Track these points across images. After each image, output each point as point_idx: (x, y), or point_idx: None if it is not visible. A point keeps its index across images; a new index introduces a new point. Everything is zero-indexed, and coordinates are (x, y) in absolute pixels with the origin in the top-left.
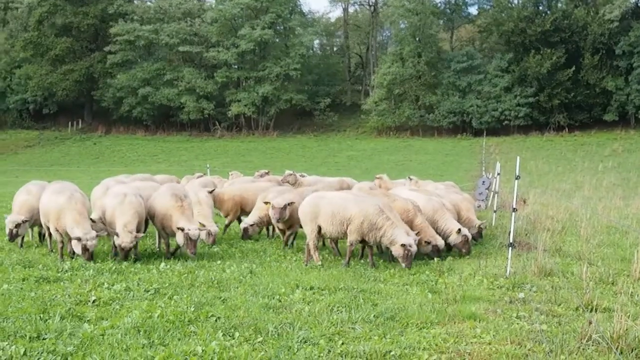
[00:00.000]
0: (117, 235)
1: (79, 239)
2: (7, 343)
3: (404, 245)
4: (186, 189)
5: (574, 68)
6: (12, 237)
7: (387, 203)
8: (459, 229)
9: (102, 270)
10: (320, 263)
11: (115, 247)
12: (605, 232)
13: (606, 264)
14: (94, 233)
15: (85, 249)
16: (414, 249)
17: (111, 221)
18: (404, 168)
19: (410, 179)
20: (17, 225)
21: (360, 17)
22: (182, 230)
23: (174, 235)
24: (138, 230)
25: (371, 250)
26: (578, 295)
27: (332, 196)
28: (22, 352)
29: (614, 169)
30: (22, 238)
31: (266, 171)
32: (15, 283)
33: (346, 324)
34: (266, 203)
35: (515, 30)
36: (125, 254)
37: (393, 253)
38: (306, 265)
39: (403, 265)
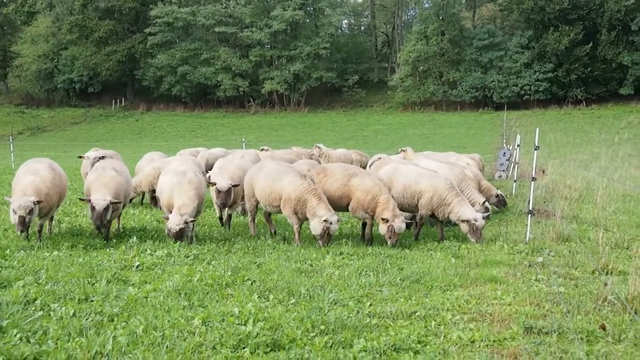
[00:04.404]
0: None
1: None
2: (57, 305)
3: (468, 220)
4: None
5: (591, 44)
6: (24, 225)
7: (462, 178)
8: (484, 202)
9: (144, 238)
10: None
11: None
12: (620, 200)
13: (621, 230)
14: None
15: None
16: (480, 223)
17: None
18: (428, 141)
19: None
20: (30, 211)
21: None
22: (326, 221)
23: (306, 219)
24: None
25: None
26: (594, 259)
27: (406, 169)
28: (71, 313)
29: (630, 140)
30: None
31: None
32: (64, 250)
33: (374, 286)
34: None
35: (535, 9)
36: (175, 236)
37: (462, 230)
38: None
39: (472, 240)
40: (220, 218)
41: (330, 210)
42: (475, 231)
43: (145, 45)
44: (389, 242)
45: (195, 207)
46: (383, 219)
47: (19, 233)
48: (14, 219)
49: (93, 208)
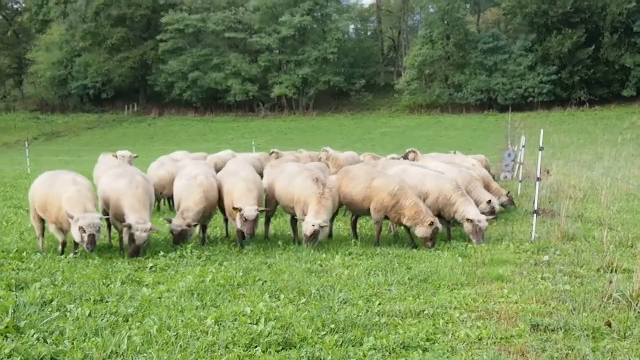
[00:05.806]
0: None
1: (129, 227)
2: (74, 306)
3: (472, 220)
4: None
5: (594, 47)
6: (94, 244)
7: (470, 180)
8: (490, 200)
9: (158, 241)
10: None
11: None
12: (624, 200)
13: (626, 228)
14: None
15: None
16: (484, 224)
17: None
18: (434, 143)
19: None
20: (99, 229)
21: (392, 2)
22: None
23: None
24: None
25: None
26: (599, 257)
27: (413, 171)
28: (87, 314)
29: (633, 140)
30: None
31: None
32: (80, 252)
33: (383, 286)
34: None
35: (539, 12)
36: (176, 239)
37: (464, 230)
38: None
39: (474, 241)
40: (227, 223)
41: (321, 215)
42: (478, 232)
43: (157, 51)
44: (429, 244)
45: (200, 210)
46: (431, 224)
47: (89, 251)
48: (80, 237)
49: (134, 240)
